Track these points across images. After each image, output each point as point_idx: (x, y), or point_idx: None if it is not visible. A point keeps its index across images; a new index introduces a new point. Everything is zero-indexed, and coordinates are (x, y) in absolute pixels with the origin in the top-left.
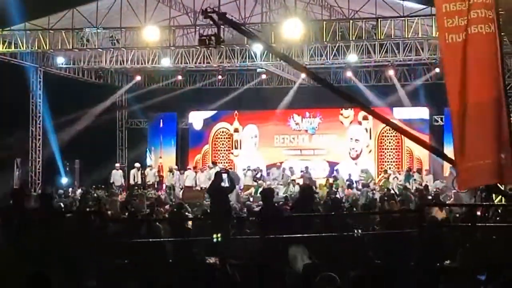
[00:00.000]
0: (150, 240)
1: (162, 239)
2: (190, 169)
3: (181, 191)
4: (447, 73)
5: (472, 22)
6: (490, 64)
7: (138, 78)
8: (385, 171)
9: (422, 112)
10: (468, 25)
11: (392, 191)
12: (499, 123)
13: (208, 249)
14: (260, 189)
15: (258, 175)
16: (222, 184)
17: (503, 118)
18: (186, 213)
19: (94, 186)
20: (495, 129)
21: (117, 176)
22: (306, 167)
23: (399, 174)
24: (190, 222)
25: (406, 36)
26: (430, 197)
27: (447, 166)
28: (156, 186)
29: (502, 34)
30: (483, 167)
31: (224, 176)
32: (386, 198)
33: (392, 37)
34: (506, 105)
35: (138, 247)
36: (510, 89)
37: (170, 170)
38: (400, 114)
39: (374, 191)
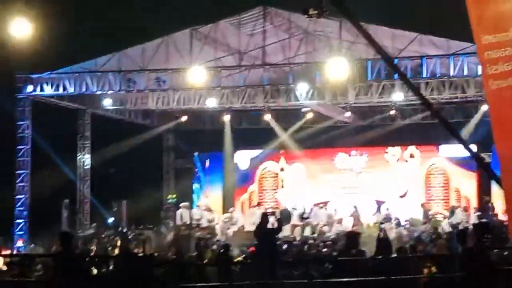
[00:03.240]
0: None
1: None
2: (234, 210)
3: (228, 232)
4: (493, 118)
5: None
6: None
7: (185, 118)
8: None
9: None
10: (507, 74)
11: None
12: None
13: None
14: (308, 228)
15: (305, 215)
16: (269, 226)
17: None
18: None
19: (141, 226)
20: None
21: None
22: (355, 207)
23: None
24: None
25: (452, 74)
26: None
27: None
28: (202, 226)
29: None
30: None
31: (271, 218)
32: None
33: (438, 75)
34: None
35: None
36: None
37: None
38: (446, 151)
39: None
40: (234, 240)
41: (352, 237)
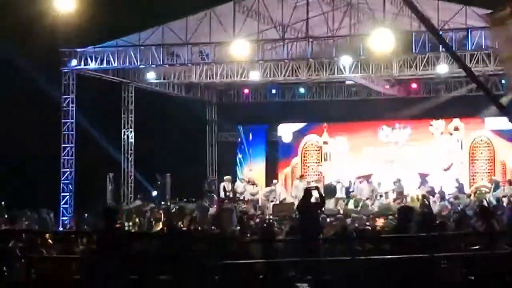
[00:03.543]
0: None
1: (252, 261)
2: (277, 183)
3: (271, 205)
4: None
5: None
6: None
7: (246, 91)
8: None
9: None
10: None
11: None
12: None
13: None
14: (352, 201)
15: (351, 189)
16: (312, 200)
17: None
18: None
19: (184, 200)
20: None
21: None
22: (399, 180)
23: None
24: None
25: (497, 47)
26: None
27: None
28: (245, 199)
29: None
30: None
31: (314, 192)
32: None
33: (483, 47)
34: None
35: (228, 267)
36: None
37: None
38: (492, 124)
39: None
40: (274, 213)
41: (405, 212)
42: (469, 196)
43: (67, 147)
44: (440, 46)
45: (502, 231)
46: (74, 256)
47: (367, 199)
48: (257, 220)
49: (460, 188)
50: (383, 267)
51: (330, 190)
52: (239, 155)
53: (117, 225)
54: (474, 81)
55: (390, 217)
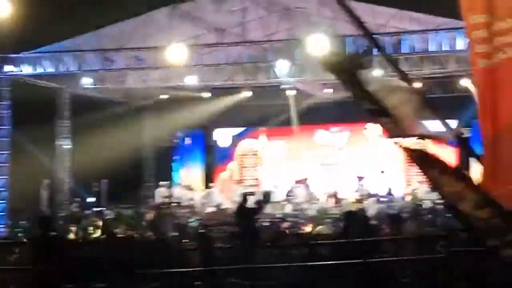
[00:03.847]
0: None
1: (191, 269)
2: (213, 187)
3: (206, 211)
4: (478, 97)
5: (498, 48)
6: None
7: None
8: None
9: (450, 125)
10: (495, 51)
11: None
12: None
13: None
14: (289, 206)
15: (288, 193)
16: (249, 205)
17: None
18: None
19: (121, 206)
20: None
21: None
22: (333, 184)
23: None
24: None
25: (431, 49)
26: None
27: None
28: (183, 204)
29: None
30: None
31: (250, 197)
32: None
33: (417, 51)
34: None
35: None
36: None
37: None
38: (428, 127)
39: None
40: (212, 219)
41: (351, 217)
42: (404, 198)
43: (1, 154)
44: (375, 49)
45: (438, 234)
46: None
47: (304, 203)
48: (194, 223)
49: (390, 192)
50: (321, 272)
51: (268, 198)
52: (176, 160)
53: (53, 233)
54: (409, 84)
55: (328, 220)
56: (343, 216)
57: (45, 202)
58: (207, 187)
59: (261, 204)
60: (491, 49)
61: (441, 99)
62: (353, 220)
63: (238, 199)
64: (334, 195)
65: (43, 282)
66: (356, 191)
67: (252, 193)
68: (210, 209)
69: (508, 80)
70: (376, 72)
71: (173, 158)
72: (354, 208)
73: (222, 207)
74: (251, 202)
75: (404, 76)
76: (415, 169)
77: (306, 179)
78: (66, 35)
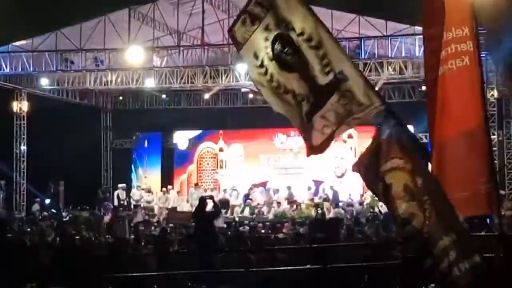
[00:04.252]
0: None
1: (147, 274)
2: (170, 190)
3: (166, 213)
4: (428, 106)
5: (447, 58)
6: (469, 96)
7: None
8: None
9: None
10: (443, 61)
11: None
12: (477, 155)
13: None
14: (248, 208)
15: (247, 196)
16: (207, 209)
17: (481, 150)
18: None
19: (78, 207)
20: (473, 161)
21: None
22: (289, 187)
23: None
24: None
25: (390, 55)
26: None
27: None
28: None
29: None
30: (460, 200)
31: (209, 201)
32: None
33: (376, 56)
34: (487, 136)
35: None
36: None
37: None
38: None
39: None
40: (169, 219)
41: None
42: (361, 203)
43: None
44: None
45: (395, 240)
46: None
47: (262, 206)
48: (152, 228)
49: (336, 195)
50: (278, 278)
51: (225, 204)
52: (135, 162)
53: (8, 235)
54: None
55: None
56: (303, 220)
57: (1, 203)
58: (166, 189)
59: (218, 208)
60: (443, 59)
61: (399, 104)
62: (312, 225)
63: (197, 202)
64: (292, 199)
65: None
66: (314, 195)
67: (210, 197)
68: (169, 209)
69: (455, 90)
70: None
71: (132, 160)
72: (311, 212)
73: (180, 209)
74: (209, 206)
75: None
76: None
77: (266, 182)
78: (24, 35)
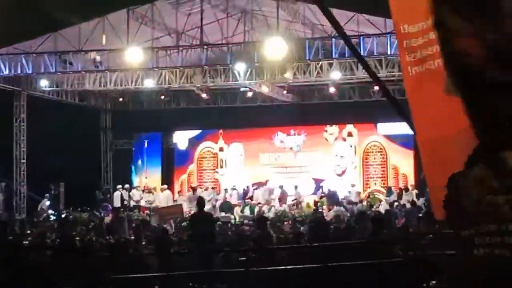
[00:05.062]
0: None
1: (148, 275)
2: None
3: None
4: (411, 104)
5: (426, 58)
6: (445, 98)
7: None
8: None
9: (407, 127)
10: (423, 61)
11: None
12: (452, 157)
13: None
14: (248, 207)
15: (247, 195)
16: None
17: (456, 153)
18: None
19: (79, 209)
20: (461, 160)
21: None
22: (296, 186)
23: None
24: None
25: (389, 52)
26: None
27: None
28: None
29: None
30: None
31: (208, 201)
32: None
33: (375, 53)
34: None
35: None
36: None
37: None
38: (384, 129)
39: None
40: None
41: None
42: (361, 201)
43: None
44: (333, 52)
45: (394, 237)
46: None
47: (263, 205)
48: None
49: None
50: (279, 277)
51: (228, 208)
52: (135, 163)
53: (9, 237)
54: (380, 87)
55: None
56: (303, 219)
57: (2, 205)
58: (166, 189)
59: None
60: (418, 59)
61: (399, 102)
62: (313, 224)
63: (197, 202)
64: (300, 199)
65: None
66: (314, 194)
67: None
68: (159, 208)
69: (432, 91)
70: (334, 75)
71: (132, 160)
72: (311, 211)
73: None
74: (209, 206)
75: (374, 77)
76: (373, 172)
77: (267, 181)
78: (23, 37)
